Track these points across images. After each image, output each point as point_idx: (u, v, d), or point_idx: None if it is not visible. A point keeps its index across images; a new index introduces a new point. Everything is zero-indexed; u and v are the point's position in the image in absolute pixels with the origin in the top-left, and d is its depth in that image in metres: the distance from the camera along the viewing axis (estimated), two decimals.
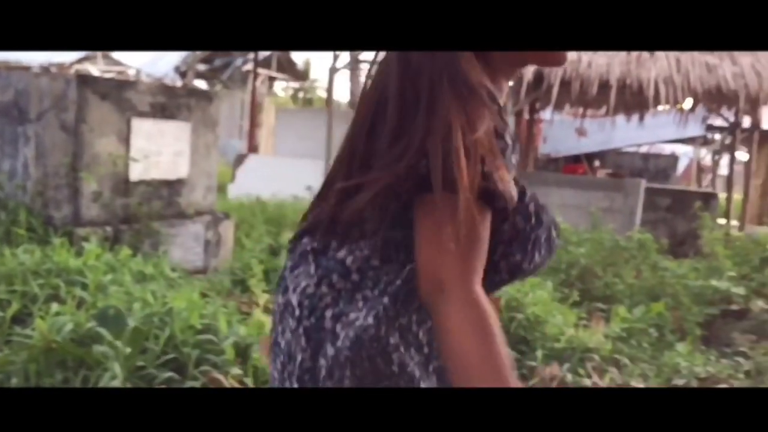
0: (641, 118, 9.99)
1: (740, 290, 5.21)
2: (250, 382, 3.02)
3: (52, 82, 4.90)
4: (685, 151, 17.18)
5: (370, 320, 1.09)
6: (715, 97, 8.11)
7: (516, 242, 1.15)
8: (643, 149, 16.41)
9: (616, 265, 5.69)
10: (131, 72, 14.93)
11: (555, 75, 7.65)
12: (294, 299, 1.16)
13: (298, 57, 19.34)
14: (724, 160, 15.12)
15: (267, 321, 3.48)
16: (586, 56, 7.67)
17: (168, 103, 5.45)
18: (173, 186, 5.57)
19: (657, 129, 12.95)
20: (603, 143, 14.07)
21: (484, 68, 1.14)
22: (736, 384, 4.04)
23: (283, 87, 25.01)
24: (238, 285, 4.45)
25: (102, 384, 2.79)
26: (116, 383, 2.77)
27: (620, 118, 10.69)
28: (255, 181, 10.43)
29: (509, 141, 1.10)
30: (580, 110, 10.77)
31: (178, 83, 13.54)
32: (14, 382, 2.92)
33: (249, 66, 16.25)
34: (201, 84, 16.95)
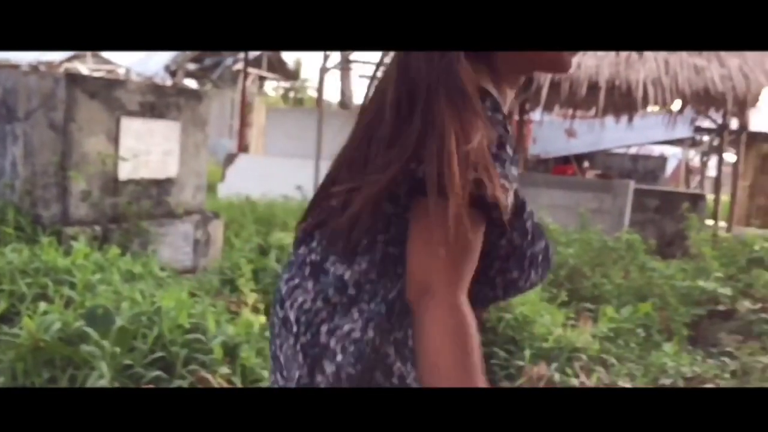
0: (630, 120, 10.03)
1: (727, 291, 5.24)
2: (238, 382, 3.02)
3: (40, 81, 4.89)
4: (673, 153, 17.27)
5: (370, 333, 1.10)
6: (703, 99, 8.16)
7: (513, 258, 1.15)
8: (632, 150, 16.48)
9: (605, 265, 5.73)
10: (121, 71, 14.89)
11: (544, 76, 7.67)
12: (292, 315, 1.16)
13: (289, 56, 19.34)
14: (713, 161, 15.21)
15: (255, 320, 3.48)
16: (575, 58, 7.69)
17: (157, 102, 5.44)
18: (162, 185, 5.56)
19: (646, 130, 13.01)
20: (592, 144, 14.12)
21: (489, 76, 1.14)
22: (722, 384, 4.07)
23: (273, 86, 24.98)
24: (227, 284, 4.44)
25: (89, 383, 2.79)
26: (103, 382, 2.77)
27: (609, 120, 10.73)
28: (245, 181, 10.42)
29: (510, 152, 1.09)
30: (570, 111, 10.80)
31: (168, 82, 13.50)
32: (1, 381, 2.91)
33: (239, 65, 16.22)
34: (191, 83, 16.92)
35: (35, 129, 4.83)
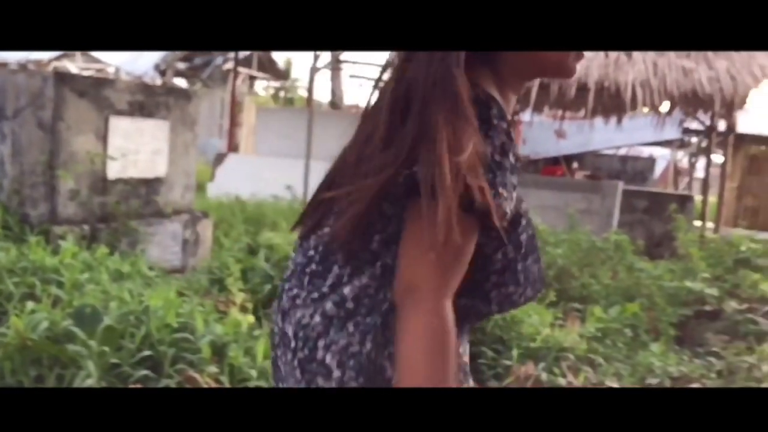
0: (619, 121, 10.06)
1: (714, 291, 5.27)
2: (226, 381, 3.02)
3: (29, 79, 4.87)
4: (662, 154, 17.34)
5: (368, 345, 1.10)
6: (691, 101, 8.20)
7: (508, 272, 1.15)
8: (621, 152, 16.55)
9: (593, 265, 5.75)
10: (110, 70, 14.83)
11: None
12: (290, 331, 1.16)
13: (279, 56, 19.32)
14: (701, 163, 15.31)
15: (244, 320, 3.49)
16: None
17: (146, 101, 5.43)
18: (151, 184, 5.55)
19: (635, 132, 13.06)
20: (582, 145, 14.16)
21: (494, 82, 1.15)
22: (708, 383, 4.10)
23: (264, 86, 24.94)
24: (216, 284, 4.44)
25: (77, 382, 2.79)
26: (91, 381, 2.77)
27: (598, 121, 10.76)
28: (235, 181, 10.40)
29: (513, 159, 1.09)
30: (559, 112, 10.83)
31: (158, 81, 13.46)
32: None
33: (229, 65, 16.19)
34: (181, 82, 16.87)
35: (23, 128, 4.81)
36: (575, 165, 15.31)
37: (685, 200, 9.20)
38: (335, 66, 14.16)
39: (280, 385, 1.21)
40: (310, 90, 12.27)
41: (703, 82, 7.62)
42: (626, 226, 8.03)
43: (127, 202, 5.24)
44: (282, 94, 26.76)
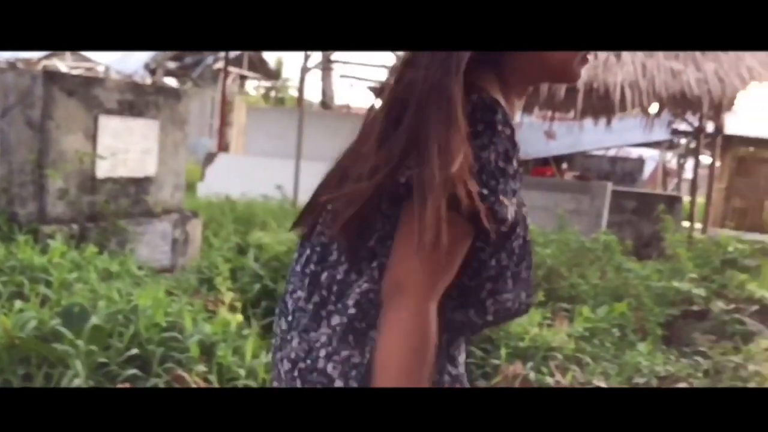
0: (608, 122, 10.11)
1: (701, 291, 5.31)
2: (214, 380, 3.03)
3: (18, 78, 4.85)
4: (651, 155, 17.43)
5: (368, 356, 1.10)
6: (679, 102, 8.25)
7: (501, 280, 1.15)
8: (611, 153, 16.62)
9: (582, 266, 5.78)
10: (100, 68, 14.78)
11: None
12: (295, 341, 1.16)
13: (270, 56, 19.30)
14: (689, 164, 15.38)
15: (232, 319, 3.49)
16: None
17: (136, 100, 5.42)
18: (141, 184, 5.54)
19: (624, 133, 13.12)
20: (571, 146, 14.20)
21: (499, 86, 1.15)
22: (695, 383, 4.13)
23: (254, 86, 24.89)
24: (205, 283, 4.44)
25: (65, 381, 2.79)
26: (78, 381, 2.77)
27: (588, 122, 10.81)
28: (225, 180, 10.38)
29: (516, 165, 1.10)
30: (549, 113, 10.88)
31: (148, 80, 13.43)
32: None
33: (220, 64, 16.16)
34: (171, 82, 16.82)
35: (12, 126, 4.80)
36: (565, 166, 15.36)
37: (673, 201, 9.25)
38: (326, 66, 14.16)
39: (277, 385, 1.21)
40: (300, 90, 12.28)
41: (692, 83, 7.66)
42: (615, 227, 8.07)
43: (116, 201, 5.23)
44: (273, 93, 26.71)
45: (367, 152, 1.11)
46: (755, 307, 5.31)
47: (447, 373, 1.17)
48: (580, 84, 7.72)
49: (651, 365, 4.16)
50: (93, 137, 5.06)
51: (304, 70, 11.29)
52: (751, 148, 15.09)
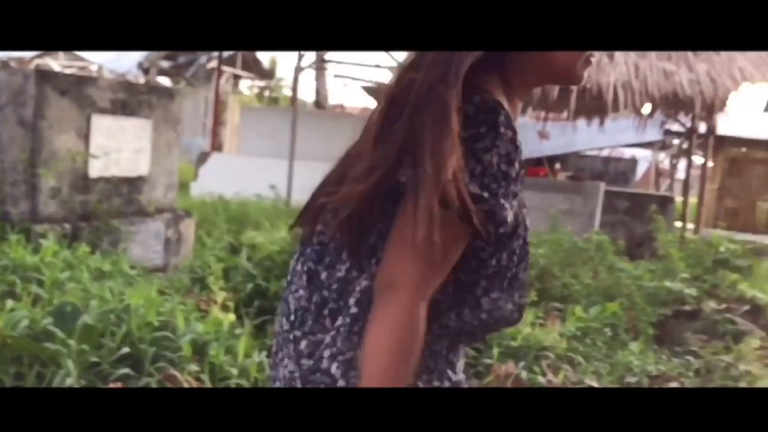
0: (601, 123, 10.15)
1: (693, 291, 5.34)
2: (206, 379, 3.03)
3: (10, 77, 4.84)
4: (644, 156, 17.47)
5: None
6: (672, 103, 8.28)
7: (498, 279, 1.16)
8: (604, 153, 16.66)
9: (574, 265, 5.80)
10: (93, 67, 14.75)
11: None
12: (302, 344, 1.16)
13: (264, 55, 19.28)
14: (682, 164, 15.44)
15: (225, 318, 3.49)
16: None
17: (129, 99, 5.42)
18: (133, 183, 5.54)
19: (617, 133, 13.15)
20: (564, 146, 14.23)
21: (502, 89, 1.16)
22: (686, 382, 4.15)
23: (248, 85, 24.85)
24: (198, 283, 4.44)
25: (56, 380, 2.78)
26: (70, 380, 2.77)
27: (581, 122, 10.85)
28: (218, 180, 10.36)
29: (518, 167, 1.10)
30: (542, 114, 10.91)
31: (141, 80, 13.40)
32: None
33: (214, 63, 16.14)
34: (165, 81, 16.79)
35: (4, 125, 4.78)
36: (558, 166, 15.41)
37: (665, 201, 9.29)
38: (320, 66, 14.14)
39: (275, 384, 1.21)
40: (294, 89, 12.27)
41: (684, 84, 7.69)
42: (608, 227, 8.10)
43: (109, 200, 5.22)
44: (266, 93, 26.68)
45: (364, 152, 1.12)
46: (746, 307, 5.34)
47: (447, 379, 1.18)
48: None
49: (642, 364, 4.18)
50: (86, 136, 5.05)
51: (298, 69, 11.30)
52: (743, 149, 15.15)
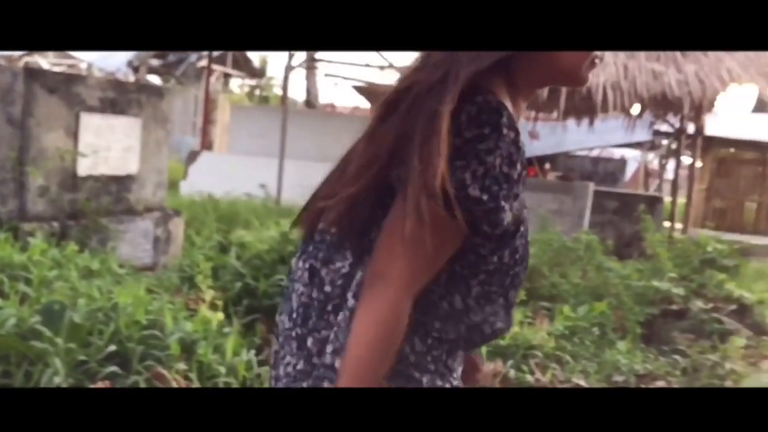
0: (591, 123, 10.18)
1: (680, 291, 5.37)
2: (194, 378, 3.03)
3: None
4: (633, 156, 17.55)
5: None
6: (661, 104, 8.33)
7: (498, 275, 1.16)
8: (593, 153, 16.72)
9: (563, 265, 5.82)
10: (83, 66, 14.68)
11: None
12: (309, 340, 1.17)
13: (254, 54, 19.23)
14: (671, 164, 15.51)
15: (213, 317, 3.49)
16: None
17: (118, 98, 5.40)
18: (122, 182, 5.52)
19: (606, 134, 13.21)
20: (554, 146, 14.28)
21: (506, 90, 1.17)
22: (673, 381, 4.18)
23: (238, 84, 24.78)
24: (186, 282, 4.43)
25: (44, 378, 2.78)
26: (58, 378, 2.76)
27: (571, 123, 10.89)
28: (208, 179, 10.34)
29: (520, 168, 1.11)
30: (532, 114, 10.94)
31: (131, 78, 13.35)
32: None
33: (204, 62, 16.09)
34: (154, 79, 16.73)
35: None
36: (547, 166, 15.46)
37: (654, 201, 9.33)
38: (310, 65, 14.13)
39: (275, 383, 1.22)
40: (284, 88, 12.25)
41: (673, 85, 7.73)
42: (597, 227, 8.13)
43: (97, 199, 5.20)
44: (257, 92, 26.62)
45: (360, 150, 1.13)
46: (733, 307, 5.39)
47: (447, 383, 1.19)
48: None
49: (630, 363, 4.21)
50: (74, 135, 5.04)
51: (289, 68, 11.28)
52: (731, 149, 15.24)
